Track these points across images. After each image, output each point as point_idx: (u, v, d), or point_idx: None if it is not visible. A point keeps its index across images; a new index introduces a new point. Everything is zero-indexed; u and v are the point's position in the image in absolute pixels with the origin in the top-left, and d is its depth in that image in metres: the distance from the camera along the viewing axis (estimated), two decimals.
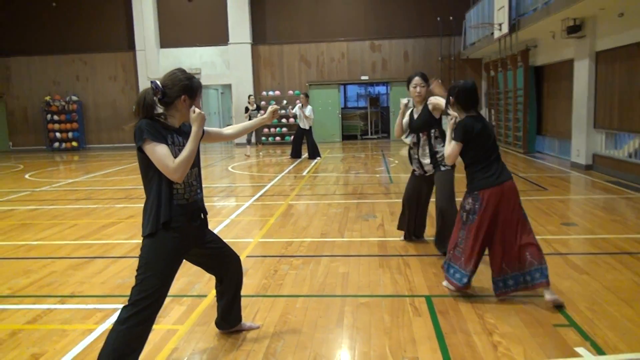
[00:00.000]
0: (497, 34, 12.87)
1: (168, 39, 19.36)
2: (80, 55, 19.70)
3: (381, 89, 23.23)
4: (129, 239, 5.95)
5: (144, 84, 19.14)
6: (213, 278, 4.43)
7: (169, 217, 2.77)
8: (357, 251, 5.24)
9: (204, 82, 19.48)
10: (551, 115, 12.79)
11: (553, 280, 4.16)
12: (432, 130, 4.81)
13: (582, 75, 10.18)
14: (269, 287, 4.27)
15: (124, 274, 4.69)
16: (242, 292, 4.02)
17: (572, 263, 4.61)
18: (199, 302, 4.00)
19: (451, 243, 3.89)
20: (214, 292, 4.13)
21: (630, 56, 8.76)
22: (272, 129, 19.21)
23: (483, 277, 4.29)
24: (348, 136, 20.20)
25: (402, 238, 5.45)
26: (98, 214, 7.43)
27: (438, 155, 4.81)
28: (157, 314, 2.79)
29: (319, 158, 13.64)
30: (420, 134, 4.88)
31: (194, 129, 2.79)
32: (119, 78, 19.78)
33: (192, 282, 4.43)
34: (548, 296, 3.61)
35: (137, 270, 2.80)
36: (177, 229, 2.81)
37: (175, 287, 4.30)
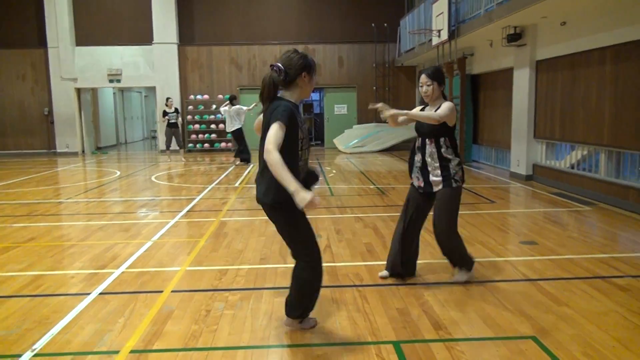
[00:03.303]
0: (435, 41, 12.62)
1: (85, 36, 17.75)
2: None
3: (314, 95, 22.67)
4: (25, 270, 4.87)
5: (57, 84, 17.47)
6: (129, 325, 3.57)
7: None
8: None
9: (125, 84, 18.15)
10: (488, 125, 12.69)
11: (533, 315, 3.64)
12: (442, 139, 4.04)
13: (522, 84, 10.04)
14: (200, 335, 3.43)
15: (10, 322, 3.66)
16: (165, 345, 3.24)
17: (547, 292, 4.11)
18: None
19: None
20: (129, 345, 3.27)
21: (572, 66, 8.64)
22: (200, 135, 18.09)
23: (454, 314, 3.69)
24: None
25: (383, 274, 4.45)
26: None
27: (452, 165, 4.04)
28: None
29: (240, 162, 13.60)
30: (427, 140, 4.09)
31: (296, 195, 2.84)
32: (28, 77, 17.87)
33: (100, 331, 3.50)
34: None
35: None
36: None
37: (78, 340, 3.37)
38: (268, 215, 3.30)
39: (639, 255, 5.12)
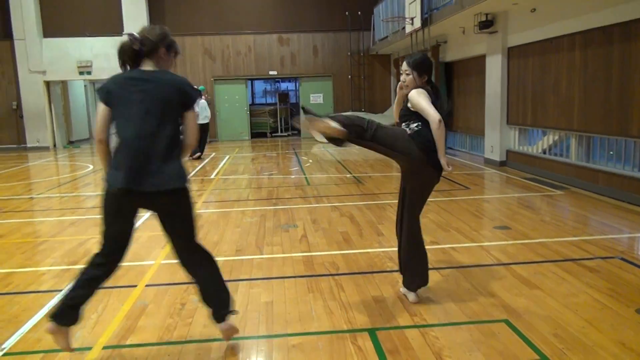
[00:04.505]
0: (408, 29, 12.64)
1: (52, 27, 17.29)
2: None
3: (289, 85, 22.57)
4: None
5: (24, 77, 17.02)
6: (102, 321, 3.52)
7: None
8: (280, 272, 4.49)
9: (96, 76, 17.76)
10: (462, 112, 12.80)
11: (505, 298, 3.70)
12: (404, 122, 3.62)
13: (495, 71, 10.14)
14: (175, 328, 3.41)
15: None
16: (139, 339, 3.20)
17: (519, 275, 4.18)
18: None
19: None
20: (101, 341, 3.23)
21: (542, 52, 8.74)
22: None
23: (429, 301, 3.73)
24: (257, 134, 19.33)
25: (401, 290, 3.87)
26: None
27: None
28: None
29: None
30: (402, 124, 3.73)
31: None
32: None
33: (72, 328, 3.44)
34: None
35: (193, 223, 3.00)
36: None
37: (49, 338, 3.31)
38: (172, 204, 2.85)
39: (608, 237, 5.24)
